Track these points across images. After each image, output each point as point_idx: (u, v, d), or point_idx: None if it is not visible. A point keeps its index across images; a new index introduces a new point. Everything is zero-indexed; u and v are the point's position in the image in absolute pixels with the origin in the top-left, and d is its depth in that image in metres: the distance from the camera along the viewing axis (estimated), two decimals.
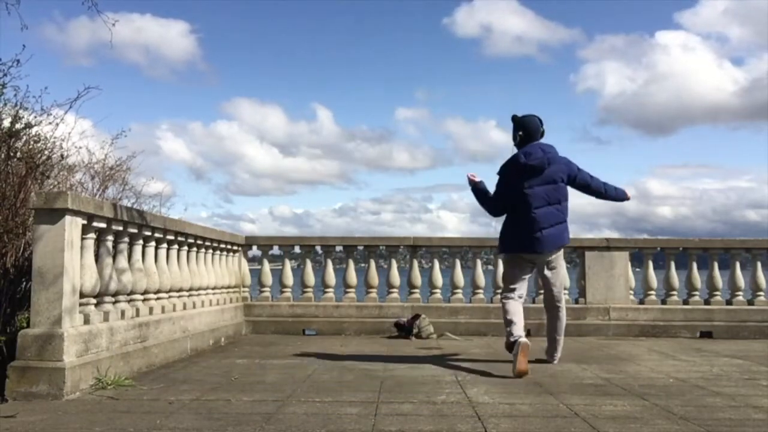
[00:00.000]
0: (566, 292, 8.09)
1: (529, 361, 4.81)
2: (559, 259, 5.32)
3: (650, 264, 8.16)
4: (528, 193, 5.04)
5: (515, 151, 5.25)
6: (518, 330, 4.97)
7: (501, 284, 5.27)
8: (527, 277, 5.32)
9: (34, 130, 5.78)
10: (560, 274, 5.36)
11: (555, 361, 5.32)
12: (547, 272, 5.28)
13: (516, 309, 5.12)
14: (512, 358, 4.78)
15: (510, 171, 5.16)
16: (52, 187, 5.96)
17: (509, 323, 5.04)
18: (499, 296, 7.97)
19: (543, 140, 5.26)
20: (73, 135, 6.26)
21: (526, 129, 5.18)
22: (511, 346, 4.88)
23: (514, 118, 5.24)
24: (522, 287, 5.26)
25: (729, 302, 8.04)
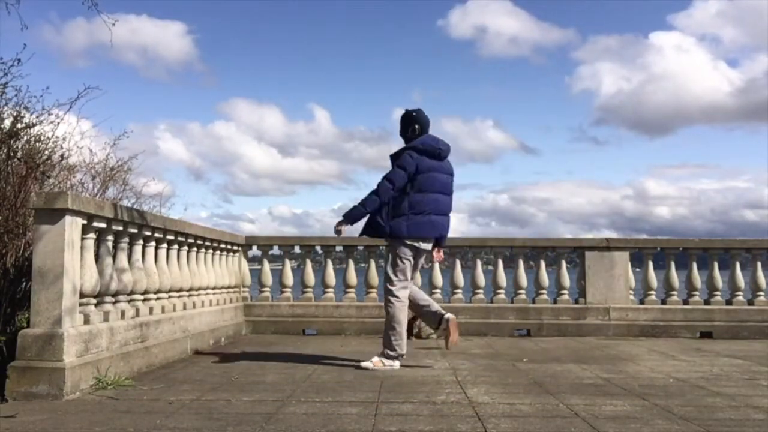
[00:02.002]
0: (566, 292, 8.11)
1: (525, 361, 5.04)
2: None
3: (650, 264, 8.15)
4: (436, 177, 5.11)
5: (404, 145, 5.24)
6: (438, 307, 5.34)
7: (392, 276, 5.07)
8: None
9: (34, 130, 5.78)
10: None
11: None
12: (423, 262, 5.38)
13: (423, 296, 5.37)
14: (442, 333, 5.28)
15: (423, 153, 5.10)
16: (52, 187, 5.96)
17: (426, 313, 5.29)
18: (496, 296, 7.98)
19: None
20: (73, 135, 6.27)
21: (420, 123, 5.23)
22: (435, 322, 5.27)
23: (407, 114, 5.26)
24: (409, 277, 5.22)
25: (729, 302, 8.04)
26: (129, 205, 6.97)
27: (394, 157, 5.16)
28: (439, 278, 8.10)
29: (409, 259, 5.10)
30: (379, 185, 5.04)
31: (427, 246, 5.19)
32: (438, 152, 5.15)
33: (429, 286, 8.10)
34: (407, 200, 5.03)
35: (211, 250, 7.00)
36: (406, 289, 5.17)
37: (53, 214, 3.92)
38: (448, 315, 5.23)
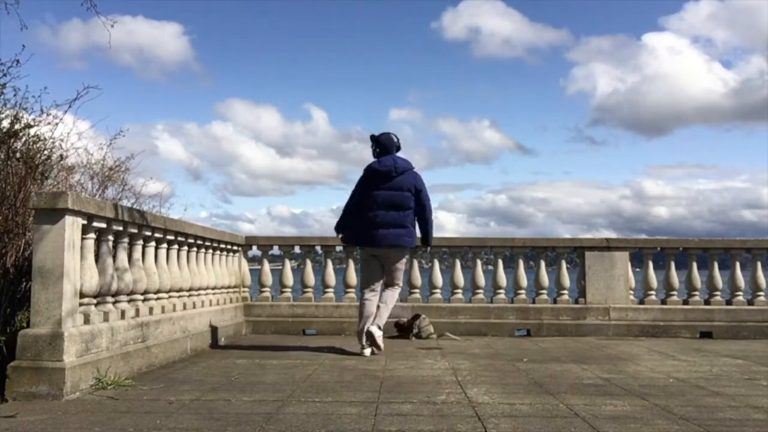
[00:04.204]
0: (566, 292, 8.10)
1: (525, 361, 5.28)
2: (399, 257, 5.97)
3: (650, 264, 8.16)
4: (373, 195, 5.78)
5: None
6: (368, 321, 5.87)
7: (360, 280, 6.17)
8: (378, 271, 6.01)
9: (33, 131, 5.78)
10: (399, 270, 6.02)
11: (380, 330, 5.83)
12: (388, 267, 5.98)
13: (371, 307, 5.89)
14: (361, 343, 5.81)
15: (364, 177, 5.89)
16: (51, 187, 5.96)
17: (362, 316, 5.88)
18: (496, 296, 8.00)
19: (400, 154, 6.00)
20: (71, 135, 6.27)
21: (380, 144, 5.95)
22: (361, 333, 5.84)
23: (372, 137, 6.00)
24: (376, 283, 5.99)
25: (729, 302, 8.05)
26: (128, 205, 6.96)
27: None
28: (439, 278, 8.10)
29: (365, 260, 6.02)
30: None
31: (378, 251, 5.90)
32: (373, 172, 5.84)
33: (429, 286, 8.10)
34: (356, 215, 5.90)
35: (211, 250, 7.00)
36: (368, 290, 6.00)
37: (54, 214, 3.92)
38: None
